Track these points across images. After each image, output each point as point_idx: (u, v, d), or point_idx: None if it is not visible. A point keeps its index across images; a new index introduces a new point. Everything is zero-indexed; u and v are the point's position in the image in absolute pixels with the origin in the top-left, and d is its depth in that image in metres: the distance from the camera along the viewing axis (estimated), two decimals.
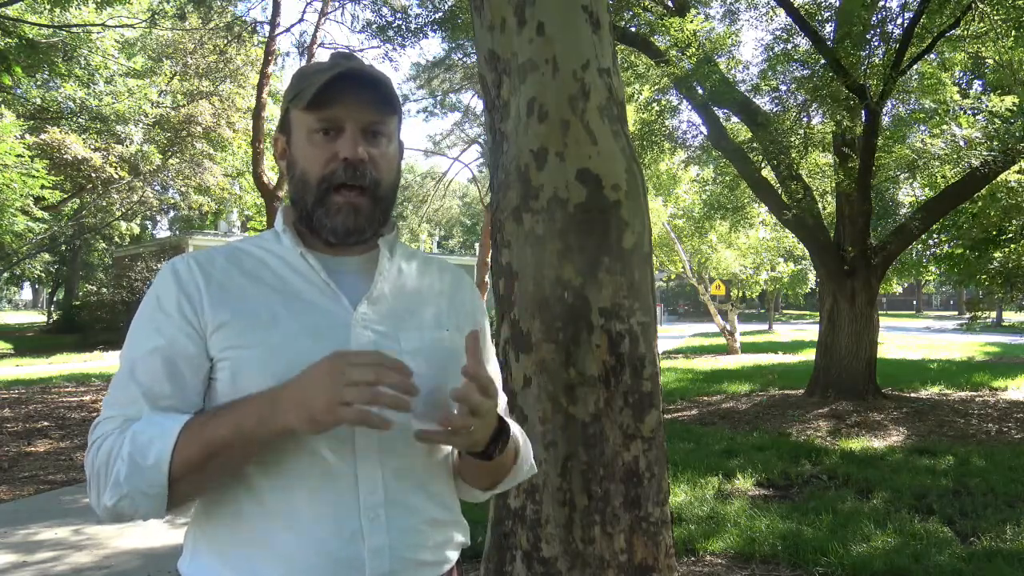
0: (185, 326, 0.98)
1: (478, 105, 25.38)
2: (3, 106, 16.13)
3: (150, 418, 0.95)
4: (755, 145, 8.93)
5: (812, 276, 22.71)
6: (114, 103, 18.98)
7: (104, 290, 22.36)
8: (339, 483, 0.96)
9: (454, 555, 1.10)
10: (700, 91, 8.67)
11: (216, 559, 0.99)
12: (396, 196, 1.11)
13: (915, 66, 8.07)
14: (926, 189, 10.95)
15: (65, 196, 20.40)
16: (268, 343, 0.97)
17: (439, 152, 29.13)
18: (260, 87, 16.81)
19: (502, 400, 1.25)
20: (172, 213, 33.56)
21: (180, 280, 1.01)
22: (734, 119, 10.69)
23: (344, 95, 1.01)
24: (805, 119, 8.53)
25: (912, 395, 9.45)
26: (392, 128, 1.07)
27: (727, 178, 11.26)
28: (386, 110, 1.04)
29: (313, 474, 0.96)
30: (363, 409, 0.86)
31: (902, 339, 22.17)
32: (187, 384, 0.98)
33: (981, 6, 6.92)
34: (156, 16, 15.52)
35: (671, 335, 26.11)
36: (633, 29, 9.09)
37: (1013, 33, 7.27)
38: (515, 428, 1.14)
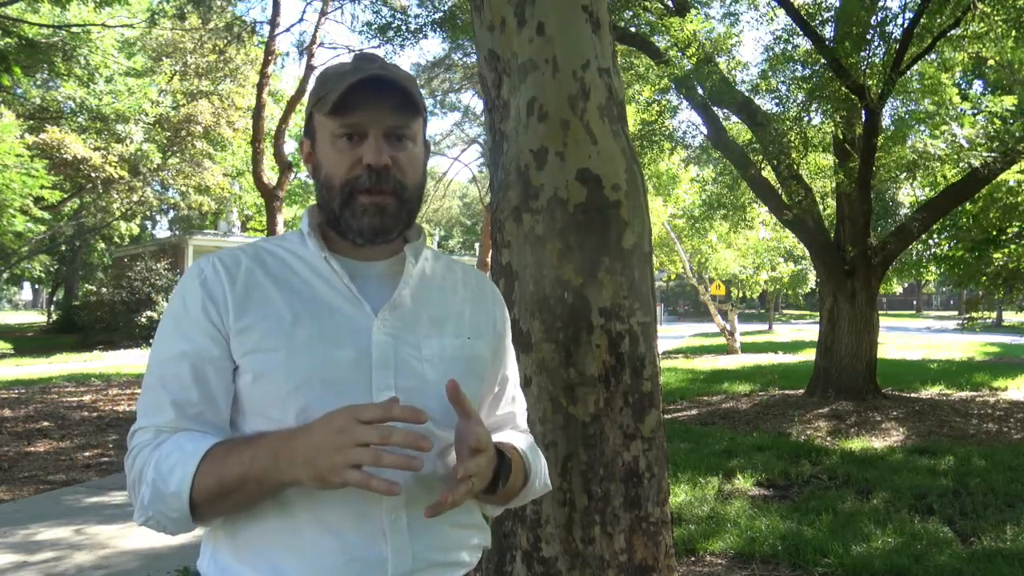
0: (210, 328, 0.99)
1: (478, 105, 25.40)
2: (3, 106, 16.14)
3: (176, 441, 0.96)
4: (755, 145, 8.93)
5: (812, 276, 22.72)
6: (114, 102, 18.99)
7: (104, 290, 22.31)
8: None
9: (475, 557, 1.10)
10: (700, 91, 8.66)
11: (237, 559, 0.99)
12: (422, 197, 1.10)
13: (915, 66, 8.07)
14: (926, 189, 10.95)
15: (65, 196, 20.40)
16: (290, 347, 0.98)
17: (439, 152, 29.14)
18: (260, 87, 16.83)
19: (520, 406, 1.25)
20: (172, 213, 33.58)
21: (205, 282, 1.01)
22: (734, 119, 10.68)
23: (367, 100, 1.00)
24: (805, 119, 8.53)
25: (912, 395, 9.45)
26: (416, 130, 1.06)
27: (727, 178, 11.26)
28: (410, 113, 1.04)
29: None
30: (368, 475, 0.85)
31: (902, 339, 22.16)
32: (214, 390, 0.99)
33: (981, 6, 6.92)
34: (156, 16, 15.51)
35: (671, 335, 26.10)
36: (633, 29, 9.08)
37: (1013, 33, 7.27)
38: (525, 446, 1.14)
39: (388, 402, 0.88)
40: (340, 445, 0.85)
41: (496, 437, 1.11)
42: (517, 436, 1.17)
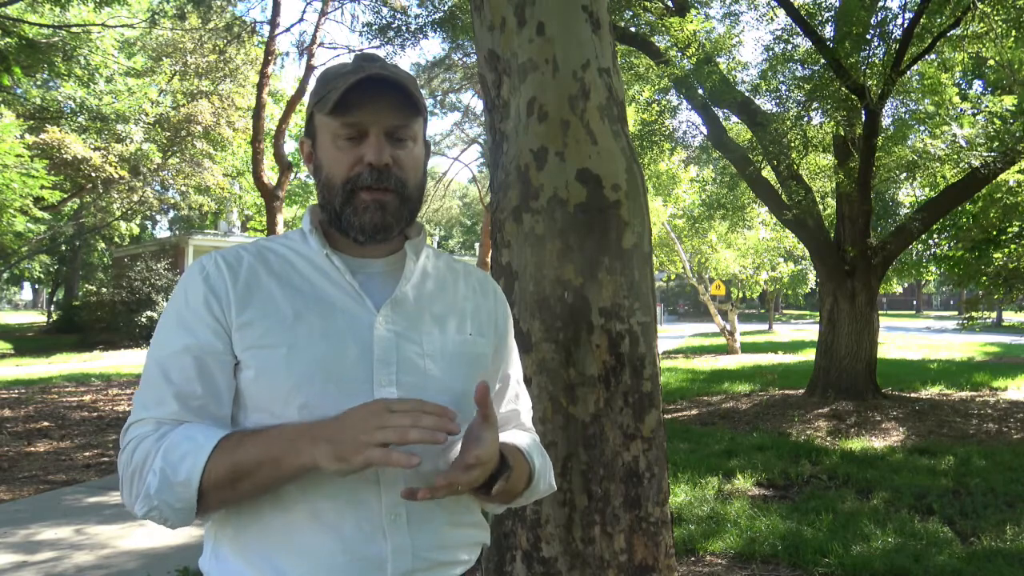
0: (213, 323, 0.99)
1: (478, 105, 25.39)
2: (3, 106, 16.13)
3: (186, 430, 0.95)
4: (755, 145, 8.93)
5: (812, 276, 22.73)
6: (114, 102, 18.98)
7: (104, 290, 22.34)
8: (360, 485, 0.97)
9: (474, 555, 1.11)
10: (700, 91, 8.66)
11: (238, 557, 0.99)
12: (423, 196, 1.11)
13: (915, 66, 8.07)
14: (926, 189, 10.95)
15: (65, 196, 20.39)
16: (291, 343, 0.98)
17: (439, 152, 29.14)
18: (260, 87, 16.83)
19: (525, 404, 1.24)
20: (172, 213, 33.57)
21: (208, 278, 1.02)
22: (734, 119, 10.68)
23: (368, 99, 1.01)
24: (805, 119, 8.53)
25: (912, 395, 9.45)
26: (417, 129, 1.07)
27: (727, 178, 11.26)
28: (410, 112, 1.04)
29: (335, 477, 0.96)
30: (389, 452, 0.86)
31: (902, 339, 22.17)
32: (218, 383, 0.99)
33: (981, 6, 6.91)
34: (156, 16, 15.51)
35: (671, 335, 26.11)
36: (633, 29, 9.08)
37: (1013, 33, 7.26)
38: (529, 448, 1.13)
39: (416, 399, 0.91)
40: (367, 427, 0.87)
41: (501, 436, 1.11)
42: (522, 436, 1.17)
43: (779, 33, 8.72)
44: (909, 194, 12.59)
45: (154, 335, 1.03)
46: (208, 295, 1.00)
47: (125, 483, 0.96)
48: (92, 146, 19.15)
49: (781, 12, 8.44)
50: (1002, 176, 8.22)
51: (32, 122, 17.81)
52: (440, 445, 0.90)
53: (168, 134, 20.98)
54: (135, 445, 0.96)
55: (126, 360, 16.41)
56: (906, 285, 39.11)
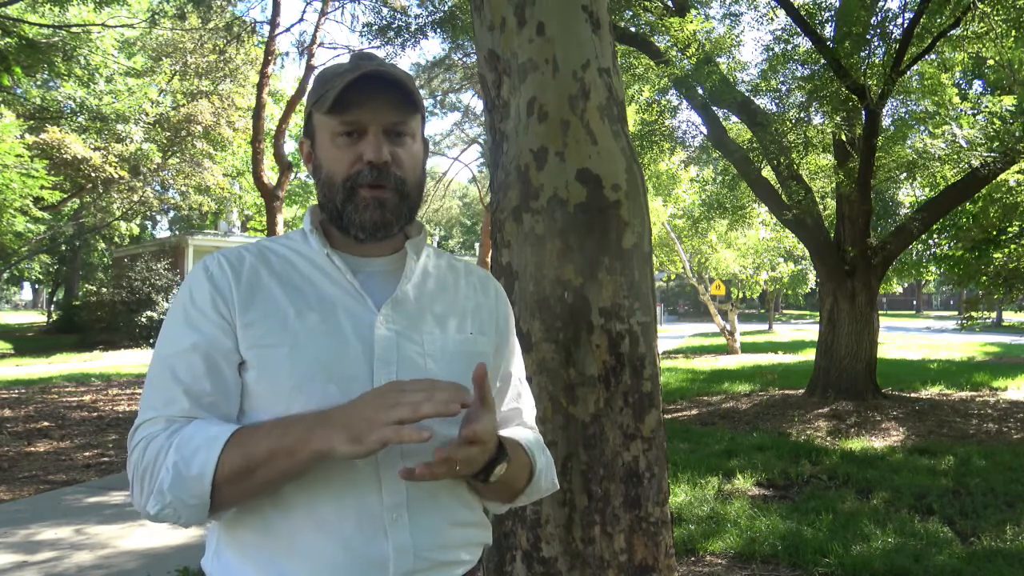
0: (220, 321, 0.99)
1: (478, 105, 25.38)
2: (3, 106, 16.13)
3: (198, 425, 0.95)
4: (755, 145, 8.93)
5: (812, 276, 22.73)
6: (114, 102, 18.99)
7: (104, 290, 22.34)
8: (362, 485, 0.97)
9: (476, 555, 1.10)
10: (700, 91, 8.66)
11: (241, 557, 0.99)
12: (422, 193, 1.11)
13: (915, 66, 8.07)
14: (926, 189, 10.95)
15: (65, 196, 20.39)
16: (293, 343, 0.98)
17: (439, 152, 29.15)
18: (260, 87, 16.83)
19: (527, 403, 1.24)
20: (172, 213, 33.56)
21: (212, 277, 1.02)
22: (734, 119, 10.67)
23: (366, 97, 1.01)
24: (805, 119, 8.52)
25: (912, 395, 9.45)
26: (415, 126, 1.07)
27: (727, 178, 11.26)
28: (408, 109, 1.05)
29: (336, 477, 0.96)
30: (402, 427, 0.86)
31: (902, 339, 22.18)
32: (227, 380, 0.99)
33: (981, 6, 6.91)
34: (156, 16, 15.51)
35: (671, 335, 26.11)
36: (633, 29, 9.08)
37: (1013, 33, 7.27)
38: (531, 444, 1.13)
39: (428, 380, 0.92)
40: (381, 406, 0.88)
41: (502, 433, 1.11)
42: (523, 432, 1.17)
43: (779, 33, 8.73)
44: (909, 194, 12.59)
45: (160, 336, 1.03)
46: (214, 294, 1.00)
47: (136, 483, 0.96)
48: (92, 146, 19.15)
49: (781, 12, 8.43)
50: (1002, 176, 8.21)
51: (32, 122, 17.82)
52: (454, 416, 0.90)
53: (168, 134, 20.98)
54: (145, 444, 0.95)
55: (126, 360, 16.41)
56: (906, 285, 39.12)
